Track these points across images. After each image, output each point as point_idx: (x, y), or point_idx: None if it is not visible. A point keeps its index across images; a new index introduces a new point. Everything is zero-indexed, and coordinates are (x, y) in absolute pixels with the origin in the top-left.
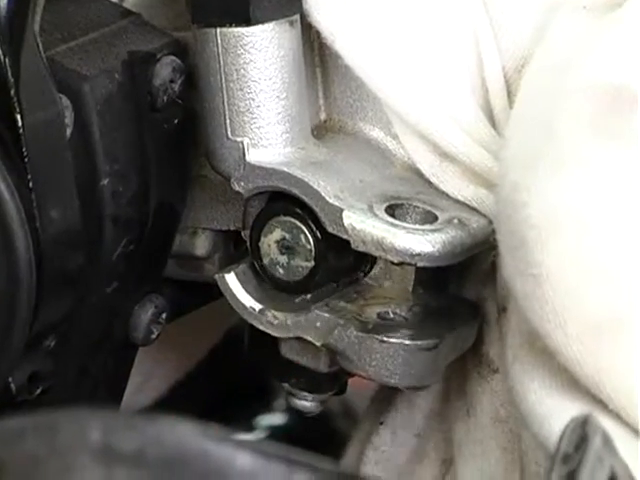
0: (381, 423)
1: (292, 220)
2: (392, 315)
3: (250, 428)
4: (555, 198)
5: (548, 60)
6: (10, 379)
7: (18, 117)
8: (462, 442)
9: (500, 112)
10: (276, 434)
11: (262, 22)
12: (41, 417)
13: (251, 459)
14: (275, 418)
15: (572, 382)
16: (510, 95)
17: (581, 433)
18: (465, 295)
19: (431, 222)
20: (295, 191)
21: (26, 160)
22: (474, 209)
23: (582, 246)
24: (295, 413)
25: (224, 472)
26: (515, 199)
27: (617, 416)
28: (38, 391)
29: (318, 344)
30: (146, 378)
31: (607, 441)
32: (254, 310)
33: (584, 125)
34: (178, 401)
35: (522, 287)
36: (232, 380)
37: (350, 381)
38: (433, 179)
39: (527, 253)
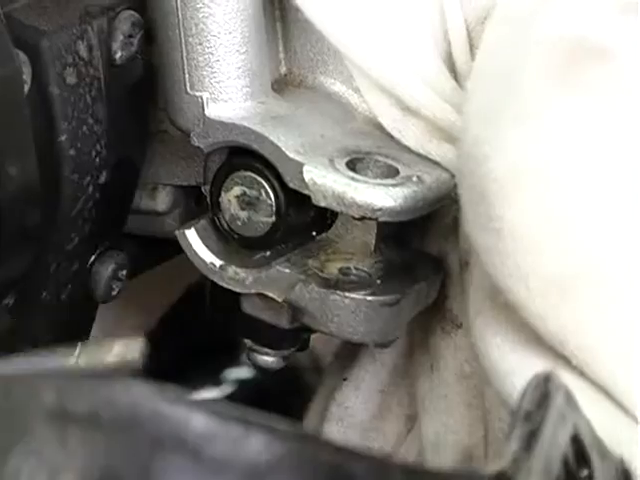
0: (345, 379)
1: (252, 175)
2: (354, 271)
3: (217, 382)
4: (517, 151)
5: (510, 12)
6: None
7: None
8: (426, 397)
9: (463, 64)
10: (244, 388)
11: None
12: None
13: (206, 421)
14: (243, 372)
15: (535, 338)
16: (472, 48)
17: (543, 390)
18: (427, 250)
19: (393, 176)
20: (255, 146)
21: None
22: (436, 163)
23: (544, 200)
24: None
25: (178, 434)
26: (477, 153)
27: (580, 372)
28: None
29: (279, 300)
30: (108, 335)
31: (569, 398)
32: (215, 266)
33: (546, 77)
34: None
35: (483, 241)
36: (197, 335)
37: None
38: (395, 133)
39: (488, 207)
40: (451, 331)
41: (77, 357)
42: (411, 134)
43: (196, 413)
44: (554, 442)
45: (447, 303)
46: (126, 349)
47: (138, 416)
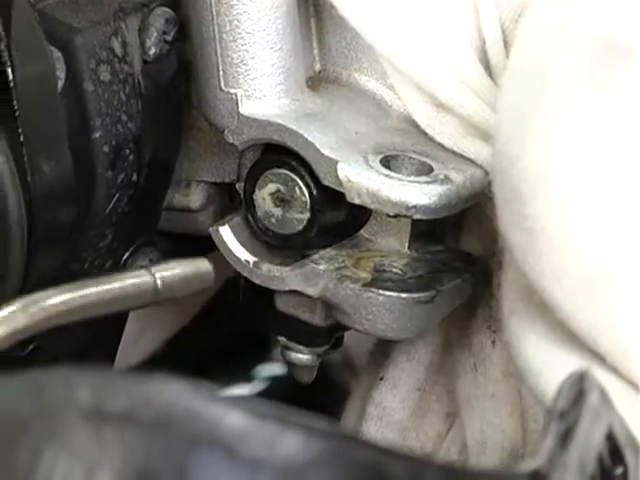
0: (381, 378)
1: (287, 172)
2: (388, 268)
3: (249, 379)
4: (548, 150)
5: (543, 10)
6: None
7: (9, 70)
8: (471, 396)
9: (497, 63)
10: (276, 385)
11: None
12: (29, 377)
13: (241, 419)
14: (275, 368)
15: (569, 336)
16: (507, 46)
17: (578, 389)
18: (462, 247)
19: (427, 174)
20: (289, 143)
21: (17, 114)
22: (471, 161)
23: (575, 199)
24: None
25: (213, 432)
26: (509, 151)
27: (614, 370)
28: (31, 347)
29: (314, 297)
30: (142, 331)
31: (604, 397)
32: (248, 263)
33: (579, 77)
34: (175, 355)
35: (517, 240)
36: (230, 331)
37: (350, 332)
38: (429, 130)
39: (521, 206)
40: (497, 329)
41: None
42: (445, 131)
43: (231, 411)
44: (589, 440)
45: (492, 301)
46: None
47: (173, 414)
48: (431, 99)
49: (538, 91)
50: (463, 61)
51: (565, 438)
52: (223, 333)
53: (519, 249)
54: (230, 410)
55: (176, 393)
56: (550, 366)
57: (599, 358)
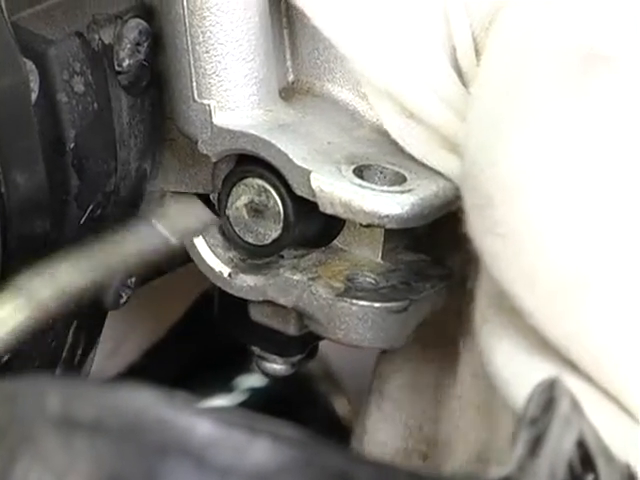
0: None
1: (260, 183)
2: (361, 278)
3: (229, 390)
4: (523, 156)
5: (516, 18)
6: None
7: None
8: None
9: (469, 71)
10: (256, 396)
11: None
12: (1, 386)
13: (210, 427)
14: (255, 379)
15: (541, 343)
16: (478, 54)
17: (548, 396)
18: (435, 256)
19: (400, 184)
20: (263, 154)
21: None
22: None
23: (549, 205)
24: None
25: (183, 441)
26: (481, 158)
27: (587, 378)
28: (5, 358)
29: (287, 307)
30: (119, 343)
31: (575, 404)
32: (223, 274)
33: (553, 84)
34: (153, 366)
35: (489, 246)
36: (209, 342)
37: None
38: (399, 141)
39: (493, 212)
40: (468, 332)
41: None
42: (414, 143)
43: (201, 419)
44: (559, 447)
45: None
46: None
47: (143, 422)
48: (402, 109)
49: (512, 98)
50: (436, 70)
51: (535, 445)
52: (202, 344)
53: (490, 255)
54: (199, 418)
55: (145, 401)
56: (521, 374)
57: (571, 365)
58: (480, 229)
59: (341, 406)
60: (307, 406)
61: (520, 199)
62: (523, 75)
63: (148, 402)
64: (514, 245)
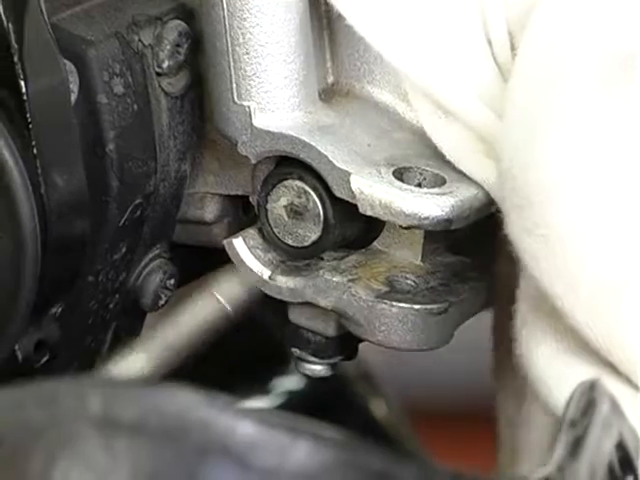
0: None
1: (300, 184)
2: (401, 280)
3: (266, 392)
4: (561, 158)
5: (552, 15)
6: (17, 347)
7: (22, 83)
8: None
9: (505, 65)
10: (293, 398)
11: None
12: (41, 387)
13: (252, 428)
14: (292, 382)
15: (581, 345)
16: (513, 48)
17: (588, 398)
18: (477, 258)
19: (439, 185)
20: (302, 155)
21: (30, 127)
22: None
23: (590, 207)
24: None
25: (225, 442)
26: (520, 158)
27: (627, 379)
28: (44, 359)
29: (327, 309)
30: None
31: (615, 406)
32: (262, 276)
33: (591, 85)
34: (192, 368)
35: (529, 247)
36: (247, 344)
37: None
38: (436, 142)
39: (534, 213)
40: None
41: None
42: (450, 144)
43: (242, 421)
44: (599, 449)
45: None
46: None
47: (185, 424)
48: (440, 108)
49: (549, 100)
50: (475, 66)
51: (575, 447)
52: (239, 346)
53: (531, 256)
54: (241, 419)
55: (186, 402)
56: (562, 377)
57: (611, 367)
58: (520, 230)
59: (379, 408)
60: (344, 408)
61: (560, 200)
62: (560, 75)
63: (189, 403)
64: (554, 246)
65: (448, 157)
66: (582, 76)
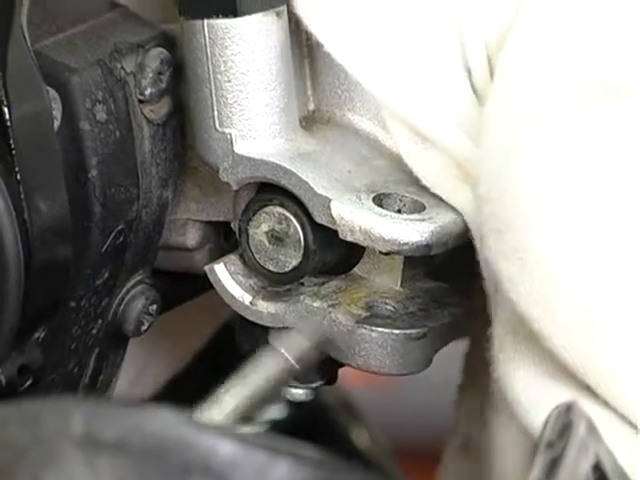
0: None
1: (281, 211)
2: (381, 305)
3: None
4: (541, 183)
5: (528, 40)
6: (0, 371)
7: (5, 109)
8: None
9: (484, 92)
10: (275, 428)
11: (249, 13)
12: (24, 407)
13: (233, 447)
14: (274, 411)
15: (558, 369)
16: (492, 74)
17: (565, 420)
18: (455, 283)
19: (419, 212)
20: (283, 182)
21: (14, 152)
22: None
23: (569, 231)
24: (294, 405)
25: (205, 461)
26: (497, 183)
27: (604, 403)
28: (28, 383)
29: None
30: (141, 371)
31: (591, 428)
32: (244, 301)
33: (571, 112)
34: (174, 396)
35: (507, 270)
36: (230, 373)
37: (348, 376)
38: (413, 169)
39: (513, 237)
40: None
41: None
42: (428, 170)
43: (223, 440)
44: (576, 470)
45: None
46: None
47: (166, 443)
48: (417, 135)
49: (528, 125)
50: (453, 93)
51: (552, 468)
52: (224, 373)
53: (508, 279)
54: (221, 439)
55: (168, 422)
56: (539, 400)
57: (589, 390)
58: (497, 254)
59: (361, 438)
60: (326, 437)
61: (537, 224)
62: (536, 99)
63: (171, 422)
64: (531, 269)
65: (424, 182)
66: (559, 100)
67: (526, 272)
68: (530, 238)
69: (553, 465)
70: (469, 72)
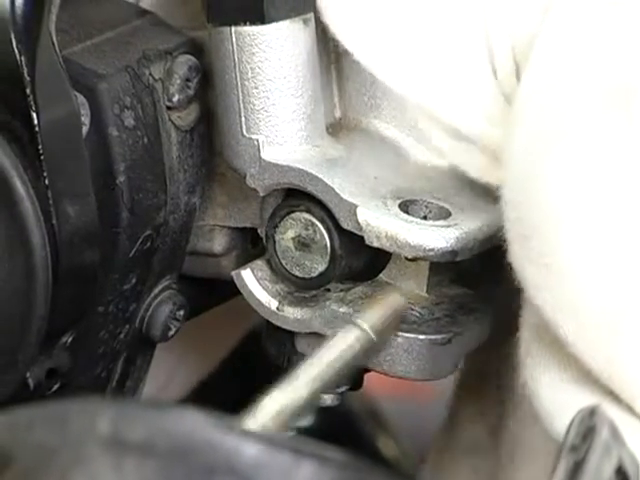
0: None
1: (308, 217)
2: (407, 310)
3: None
4: (570, 187)
5: (557, 44)
6: (28, 375)
7: (34, 115)
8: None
9: (512, 92)
10: (301, 434)
11: (276, 20)
12: (51, 408)
13: (258, 449)
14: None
15: (583, 374)
16: (518, 73)
17: (589, 424)
18: (480, 290)
19: (445, 218)
20: (310, 188)
21: (42, 157)
22: (489, 204)
23: (598, 236)
24: (320, 412)
25: (230, 462)
26: (526, 187)
27: (628, 407)
28: (55, 387)
29: None
30: (169, 377)
31: (615, 432)
32: (270, 306)
33: (594, 116)
34: (203, 400)
35: (533, 276)
36: (257, 379)
37: (375, 384)
38: (459, 165)
39: (539, 242)
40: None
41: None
42: (473, 165)
43: (248, 442)
44: (599, 474)
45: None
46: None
47: (191, 444)
48: (455, 135)
49: (555, 129)
50: (482, 93)
51: (575, 472)
52: (250, 381)
53: (534, 284)
54: (247, 440)
55: (194, 423)
56: (564, 406)
57: (613, 395)
58: (524, 258)
59: (387, 447)
60: (351, 447)
61: (564, 230)
62: (562, 105)
63: (196, 424)
64: (557, 275)
65: (471, 176)
66: (585, 105)
67: (551, 278)
68: (556, 243)
69: (576, 468)
70: (496, 77)
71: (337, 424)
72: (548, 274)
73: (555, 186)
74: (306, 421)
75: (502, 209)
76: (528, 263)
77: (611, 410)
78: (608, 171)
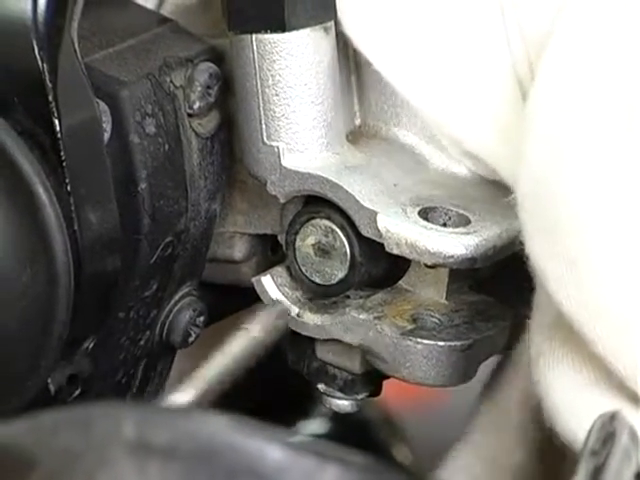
0: None
1: (328, 223)
2: (426, 317)
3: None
4: (595, 184)
5: (568, 51)
6: (49, 380)
7: (56, 121)
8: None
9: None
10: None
11: (297, 28)
12: (75, 412)
13: (281, 452)
14: (316, 425)
15: (599, 376)
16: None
17: (609, 429)
18: (499, 297)
19: (464, 225)
20: (330, 195)
21: (64, 164)
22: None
23: (625, 233)
24: (335, 420)
25: (254, 466)
26: (548, 178)
27: None
28: (77, 393)
29: (354, 345)
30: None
31: (635, 437)
32: (290, 313)
33: (619, 112)
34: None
35: (555, 270)
36: (272, 386)
37: (390, 391)
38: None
39: (563, 236)
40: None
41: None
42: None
43: (271, 445)
44: (619, 478)
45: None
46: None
47: (215, 448)
48: (467, 154)
49: (574, 127)
50: (504, 108)
51: (595, 476)
52: (265, 389)
53: (555, 280)
54: (270, 444)
55: (217, 427)
56: (580, 408)
57: (632, 398)
58: (546, 252)
59: (402, 454)
60: (367, 453)
61: (593, 226)
62: (580, 103)
63: (220, 427)
64: (582, 272)
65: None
66: (604, 101)
67: (573, 273)
68: (581, 237)
69: (596, 473)
70: (521, 86)
71: (352, 431)
72: (572, 270)
73: (579, 180)
74: (321, 428)
75: (517, 201)
76: (550, 257)
77: (631, 413)
78: (633, 166)
